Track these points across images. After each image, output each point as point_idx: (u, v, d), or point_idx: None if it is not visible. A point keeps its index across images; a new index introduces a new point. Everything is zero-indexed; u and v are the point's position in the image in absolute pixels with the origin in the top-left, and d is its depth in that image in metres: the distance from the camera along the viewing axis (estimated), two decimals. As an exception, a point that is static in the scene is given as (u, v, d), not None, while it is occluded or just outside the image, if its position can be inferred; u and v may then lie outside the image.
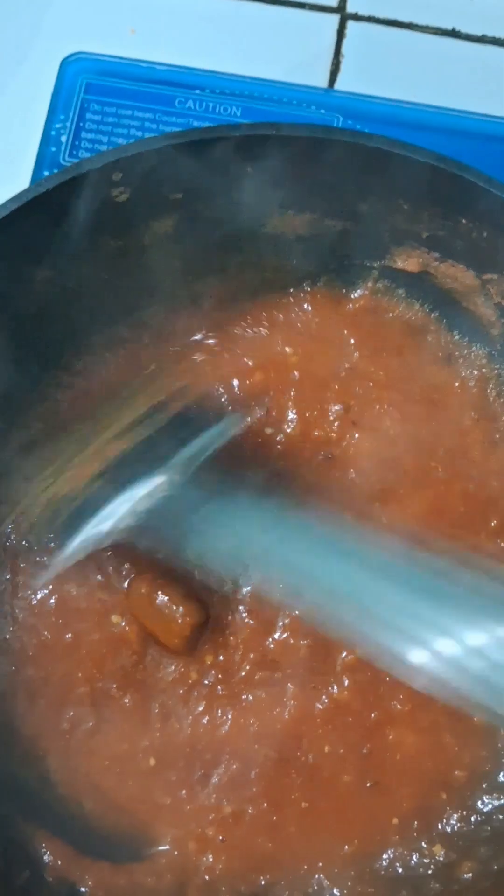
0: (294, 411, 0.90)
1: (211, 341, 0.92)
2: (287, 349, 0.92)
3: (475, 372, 0.90)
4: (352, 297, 0.92)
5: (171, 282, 0.90)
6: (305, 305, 0.92)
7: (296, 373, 0.91)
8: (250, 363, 0.91)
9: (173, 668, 0.83)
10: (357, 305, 0.92)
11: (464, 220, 0.81)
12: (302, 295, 0.92)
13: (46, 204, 0.77)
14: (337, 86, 1.15)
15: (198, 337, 0.92)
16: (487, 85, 1.15)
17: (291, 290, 0.92)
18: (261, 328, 0.92)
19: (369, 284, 0.92)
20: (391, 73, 1.16)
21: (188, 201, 0.83)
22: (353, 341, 0.92)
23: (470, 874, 0.78)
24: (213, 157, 0.78)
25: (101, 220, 0.81)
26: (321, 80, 1.16)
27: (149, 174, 0.78)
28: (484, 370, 0.90)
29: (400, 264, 0.89)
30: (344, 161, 0.79)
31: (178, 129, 0.83)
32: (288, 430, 0.89)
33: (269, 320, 0.92)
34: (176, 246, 0.88)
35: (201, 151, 0.77)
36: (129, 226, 0.84)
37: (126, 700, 0.82)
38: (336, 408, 0.90)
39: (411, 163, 0.76)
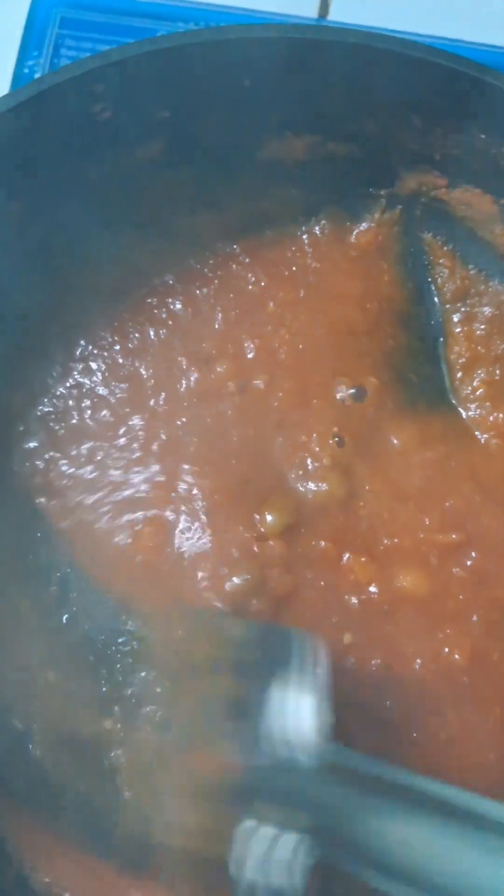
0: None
1: (205, 290, 0.84)
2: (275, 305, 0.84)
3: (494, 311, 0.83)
4: (356, 231, 0.85)
5: (158, 216, 0.82)
6: (306, 246, 0.85)
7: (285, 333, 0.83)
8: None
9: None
10: (363, 240, 0.84)
11: (483, 135, 0.73)
12: (303, 229, 0.85)
13: (19, 121, 0.68)
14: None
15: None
16: (480, 15, 1.09)
17: (291, 224, 0.84)
18: (251, 274, 0.84)
19: (376, 216, 0.84)
20: (381, 8, 1.09)
21: (177, 121, 0.75)
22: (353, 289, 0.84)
23: None
24: (205, 67, 0.70)
25: (81, 143, 0.74)
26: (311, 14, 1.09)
27: (134, 87, 0.70)
28: (503, 308, 0.82)
29: (410, 191, 0.82)
30: (349, 69, 0.71)
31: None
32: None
33: (262, 266, 0.84)
34: (164, 174, 0.80)
35: (192, 60, 0.70)
36: (113, 150, 0.76)
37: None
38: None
39: (424, 67, 0.68)
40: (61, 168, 0.75)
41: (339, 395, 0.80)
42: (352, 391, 0.80)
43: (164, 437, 0.79)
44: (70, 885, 0.69)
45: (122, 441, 0.80)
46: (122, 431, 0.80)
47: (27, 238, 0.77)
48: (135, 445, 0.80)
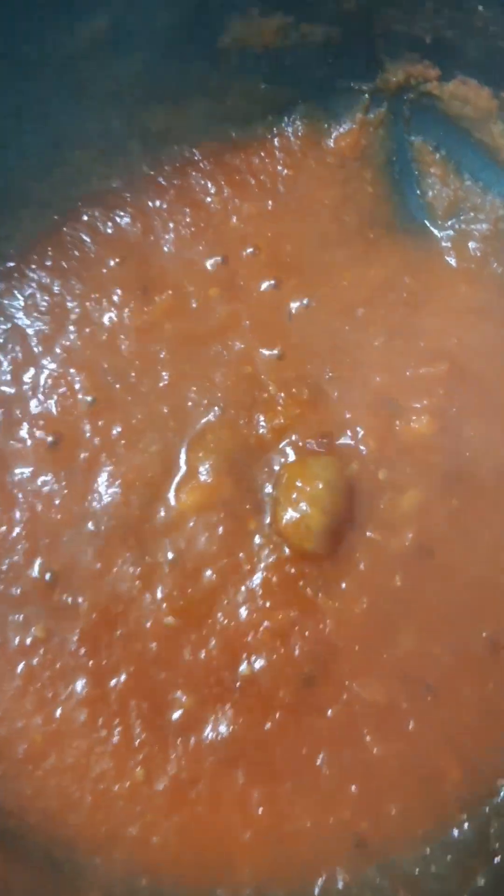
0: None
1: (158, 202, 0.73)
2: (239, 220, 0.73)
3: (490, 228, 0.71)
4: (335, 133, 0.73)
5: (106, 111, 0.71)
6: (276, 150, 0.73)
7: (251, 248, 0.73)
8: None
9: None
10: (342, 144, 0.73)
11: (480, 7, 0.61)
12: (274, 131, 0.73)
13: None
14: None
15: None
16: None
17: (259, 125, 0.73)
18: (212, 184, 0.73)
19: (358, 115, 0.72)
20: None
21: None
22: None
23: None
24: None
25: (14, 13, 0.62)
26: None
27: None
28: (500, 225, 0.71)
29: (396, 86, 0.70)
30: None
31: None
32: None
33: (224, 174, 0.73)
34: (110, 60, 0.68)
35: None
36: (51, 25, 0.65)
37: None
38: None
39: None
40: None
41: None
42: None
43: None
44: None
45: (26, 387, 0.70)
46: (28, 377, 0.70)
47: None
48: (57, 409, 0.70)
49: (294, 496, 0.66)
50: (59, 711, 0.65)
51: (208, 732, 0.64)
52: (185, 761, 0.64)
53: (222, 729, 0.65)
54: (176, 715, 0.65)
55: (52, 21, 0.65)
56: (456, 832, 0.64)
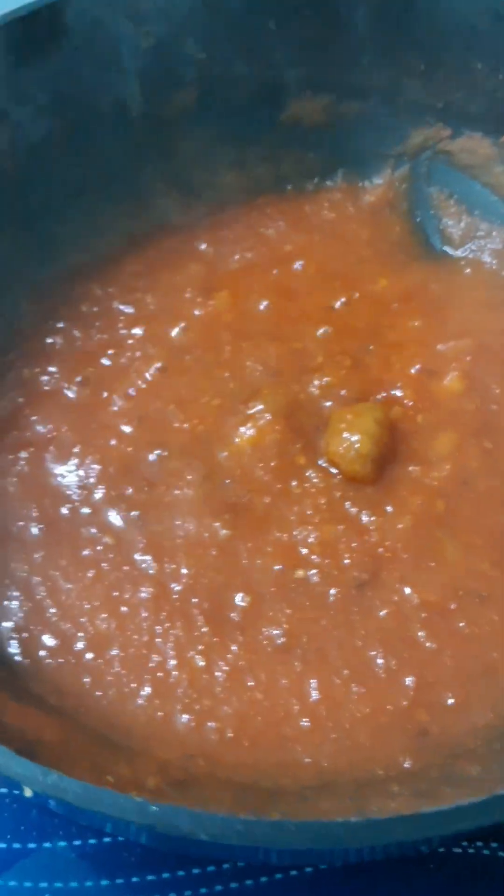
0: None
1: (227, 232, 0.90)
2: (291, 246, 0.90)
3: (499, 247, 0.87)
4: (368, 189, 0.92)
5: (190, 167, 0.90)
6: (323, 202, 0.91)
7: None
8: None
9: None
10: (374, 197, 0.91)
11: (479, 65, 0.82)
12: (320, 190, 0.92)
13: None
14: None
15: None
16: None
17: (308, 183, 0.92)
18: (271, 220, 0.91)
19: (387, 173, 0.91)
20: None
21: (211, 65, 0.85)
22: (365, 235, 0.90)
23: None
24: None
25: (122, 71, 0.83)
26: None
27: (176, 13, 0.81)
28: (507, 248, 0.87)
29: (416, 147, 0.90)
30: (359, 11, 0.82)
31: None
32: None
33: (281, 216, 0.91)
34: (196, 130, 0.88)
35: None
36: (153, 87, 0.85)
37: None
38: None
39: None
40: (103, 96, 0.84)
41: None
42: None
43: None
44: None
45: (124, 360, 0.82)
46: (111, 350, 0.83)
47: (59, 172, 0.85)
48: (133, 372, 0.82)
49: (344, 428, 0.75)
50: (123, 608, 0.68)
51: (266, 627, 0.67)
52: (244, 651, 0.67)
53: (279, 624, 0.67)
54: (235, 612, 0.68)
55: (155, 82, 0.85)
56: (513, 722, 0.64)
